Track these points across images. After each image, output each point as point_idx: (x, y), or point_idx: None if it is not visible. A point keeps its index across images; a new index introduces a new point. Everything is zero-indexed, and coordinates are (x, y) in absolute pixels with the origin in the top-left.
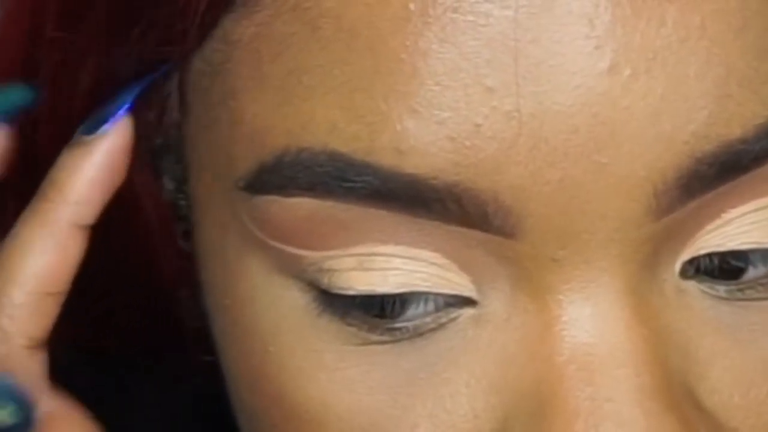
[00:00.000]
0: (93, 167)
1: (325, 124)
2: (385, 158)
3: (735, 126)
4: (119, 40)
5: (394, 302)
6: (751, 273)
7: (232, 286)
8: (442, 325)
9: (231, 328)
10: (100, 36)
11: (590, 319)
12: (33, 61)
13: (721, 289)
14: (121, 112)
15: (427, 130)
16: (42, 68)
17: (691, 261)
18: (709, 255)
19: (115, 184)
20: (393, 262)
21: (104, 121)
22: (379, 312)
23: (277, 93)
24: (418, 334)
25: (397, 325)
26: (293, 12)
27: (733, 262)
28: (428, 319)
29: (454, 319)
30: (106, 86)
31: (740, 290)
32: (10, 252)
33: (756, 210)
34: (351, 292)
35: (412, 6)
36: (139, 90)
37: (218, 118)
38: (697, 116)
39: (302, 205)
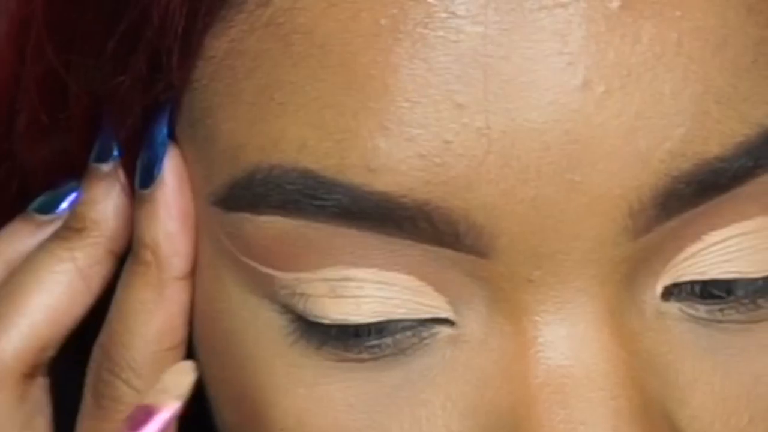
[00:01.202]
0: (171, 218)
1: (296, 142)
2: (356, 176)
3: (713, 144)
4: (115, 67)
5: (369, 330)
6: (732, 297)
7: (210, 301)
8: (423, 341)
9: (210, 344)
10: (88, 57)
11: (566, 341)
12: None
13: (702, 309)
14: (164, 152)
15: (397, 147)
16: (30, 85)
17: (673, 286)
18: (691, 282)
19: (192, 222)
20: (366, 288)
21: (153, 168)
22: (354, 336)
23: (250, 109)
24: (401, 350)
25: (375, 342)
26: (266, 28)
27: (715, 291)
28: (408, 334)
29: (434, 335)
30: (99, 110)
31: (721, 311)
32: (122, 317)
33: (739, 235)
34: (325, 321)
35: (383, 21)
36: (167, 121)
37: (195, 135)
38: (673, 134)
39: (274, 223)
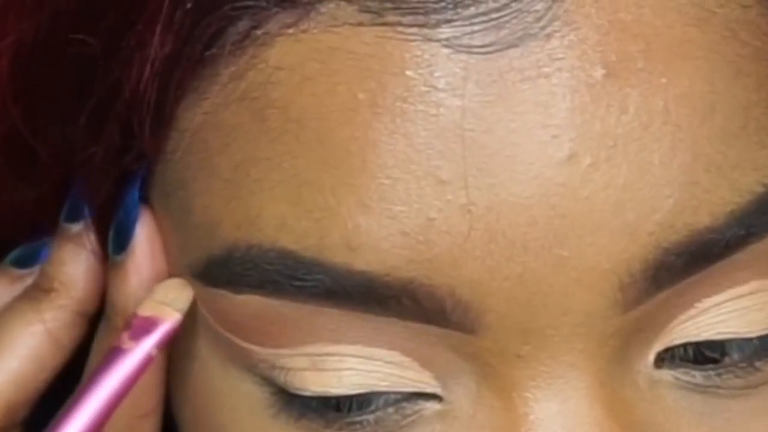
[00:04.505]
0: (143, 286)
1: (273, 220)
2: (336, 255)
3: (703, 214)
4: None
5: (351, 403)
6: (728, 361)
7: (188, 372)
8: (407, 418)
9: (188, 414)
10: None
11: (558, 417)
12: None
13: (698, 375)
14: (135, 218)
15: (378, 225)
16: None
17: (666, 350)
18: (684, 345)
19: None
20: (347, 362)
21: (125, 235)
22: (335, 409)
23: (225, 186)
24: (383, 428)
25: (357, 419)
26: (241, 102)
27: (708, 353)
28: (390, 410)
29: (419, 412)
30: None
31: (719, 375)
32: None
33: (733, 299)
34: (306, 393)
35: (361, 96)
36: (139, 187)
37: (169, 206)
38: (662, 205)
39: (251, 302)
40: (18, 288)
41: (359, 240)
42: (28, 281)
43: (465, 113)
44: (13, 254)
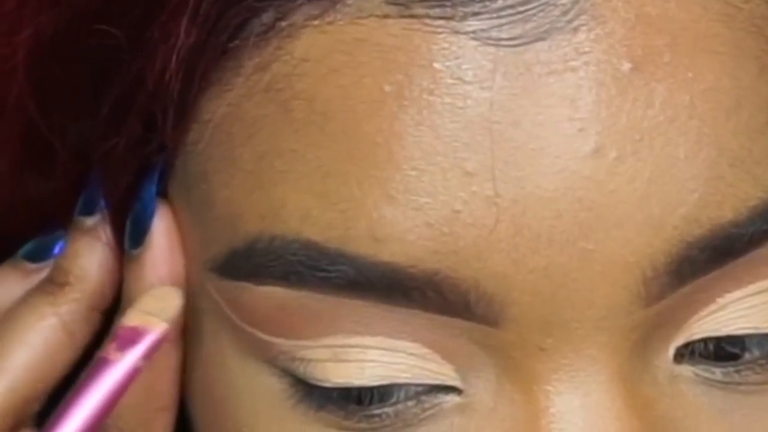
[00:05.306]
0: (159, 281)
1: (298, 212)
2: (361, 247)
3: (727, 209)
4: (107, 130)
5: (372, 394)
6: (747, 356)
7: (206, 365)
8: (426, 411)
9: (205, 408)
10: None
11: (580, 411)
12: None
13: (718, 371)
14: (152, 212)
15: (404, 216)
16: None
17: (685, 345)
18: (704, 340)
19: (182, 285)
20: (369, 353)
21: (141, 229)
22: (356, 401)
23: (248, 177)
24: (403, 421)
25: (376, 412)
26: (265, 93)
27: (728, 348)
28: (410, 404)
29: (438, 405)
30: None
31: (738, 371)
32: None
33: (756, 293)
34: (327, 385)
35: (387, 88)
36: (157, 181)
37: (191, 198)
38: (687, 199)
39: (274, 293)
40: (30, 282)
41: (384, 231)
42: (41, 276)
43: (493, 105)
44: (26, 248)
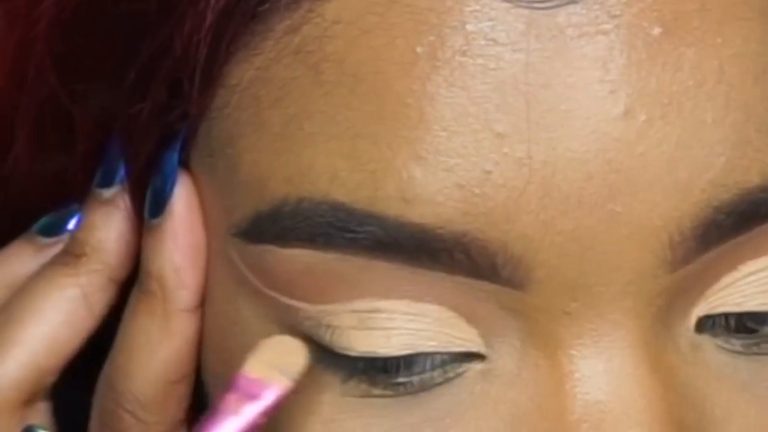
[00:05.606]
0: (179, 249)
1: (326, 173)
2: (390, 208)
3: (754, 173)
4: (132, 97)
5: (398, 363)
6: (767, 330)
7: (226, 334)
8: (448, 380)
9: (224, 378)
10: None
11: (603, 376)
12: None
13: (737, 343)
14: (174, 181)
15: (434, 177)
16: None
17: (707, 317)
18: (726, 314)
19: (202, 254)
20: (396, 320)
21: (162, 197)
22: (382, 371)
23: (276, 140)
24: (424, 388)
25: (401, 380)
26: (295, 56)
27: (750, 324)
28: (435, 373)
29: (461, 374)
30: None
31: (756, 344)
32: (127, 348)
33: None
34: (352, 353)
35: (419, 49)
36: (179, 149)
37: (215, 164)
38: (714, 163)
39: (300, 256)
40: (44, 257)
41: (414, 192)
42: (54, 251)
43: (525, 67)
44: (41, 222)
